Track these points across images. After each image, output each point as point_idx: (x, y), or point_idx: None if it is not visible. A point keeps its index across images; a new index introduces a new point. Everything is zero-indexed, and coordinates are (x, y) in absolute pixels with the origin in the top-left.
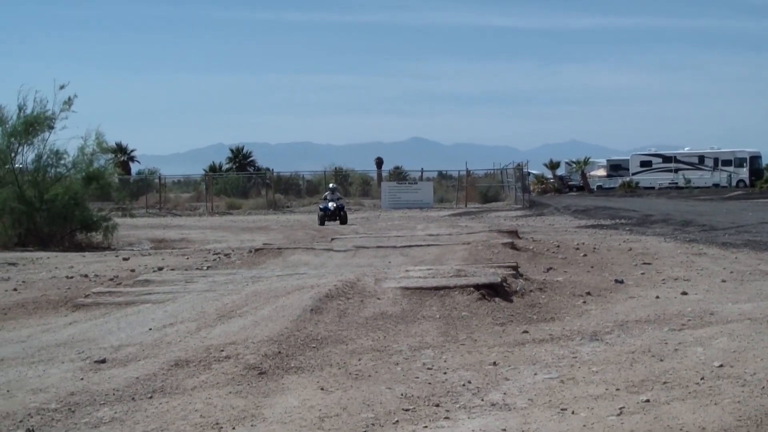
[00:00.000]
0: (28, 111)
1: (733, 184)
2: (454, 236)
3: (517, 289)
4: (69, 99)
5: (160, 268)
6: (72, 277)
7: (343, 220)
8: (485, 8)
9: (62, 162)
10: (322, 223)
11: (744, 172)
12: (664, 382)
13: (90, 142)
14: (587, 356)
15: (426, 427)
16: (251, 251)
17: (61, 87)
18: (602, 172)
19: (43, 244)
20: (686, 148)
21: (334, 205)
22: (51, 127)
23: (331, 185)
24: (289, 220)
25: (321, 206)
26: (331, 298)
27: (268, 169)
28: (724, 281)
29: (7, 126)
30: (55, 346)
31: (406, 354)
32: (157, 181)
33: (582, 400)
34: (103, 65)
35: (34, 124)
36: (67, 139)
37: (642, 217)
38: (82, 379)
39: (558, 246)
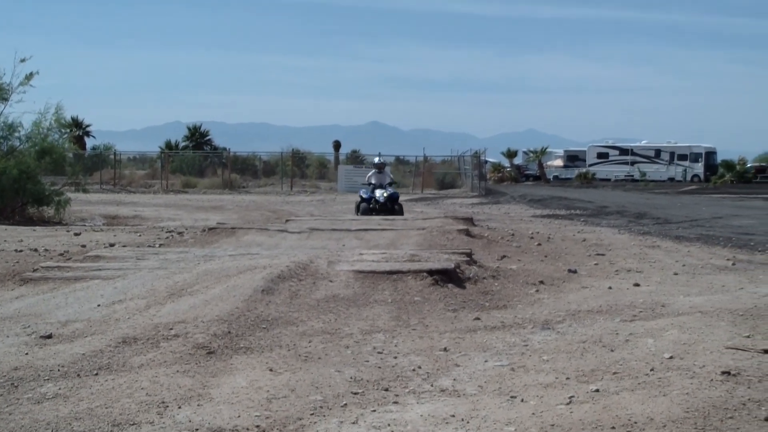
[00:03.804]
0: None
1: (688, 178)
2: (410, 221)
3: (471, 275)
4: (30, 74)
5: (112, 245)
6: (21, 251)
7: (399, 214)
8: None
9: (16, 135)
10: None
11: (699, 167)
12: (614, 373)
13: (48, 117)
14: (538, 345)
15: (374, 410)
16: (205, 230)
17: (22, 60)
18: (559, 163)
19: None
20: (643, 142)
21: (385, 194)
22: (5, 99)
23: (377, 160)
24: (245, 201)
25: (364, 195)
26: (283, 279)
27: (224, 149)
28: (676, 274)
29: None
30: (0, 320)
31: (356, 337)
32: (112, 157)
33: (532, 388)
34: (58, 38)
35: None
36: (23, 112)
37: (597, 208)
38: (26, 354)
39: (513, 234)
